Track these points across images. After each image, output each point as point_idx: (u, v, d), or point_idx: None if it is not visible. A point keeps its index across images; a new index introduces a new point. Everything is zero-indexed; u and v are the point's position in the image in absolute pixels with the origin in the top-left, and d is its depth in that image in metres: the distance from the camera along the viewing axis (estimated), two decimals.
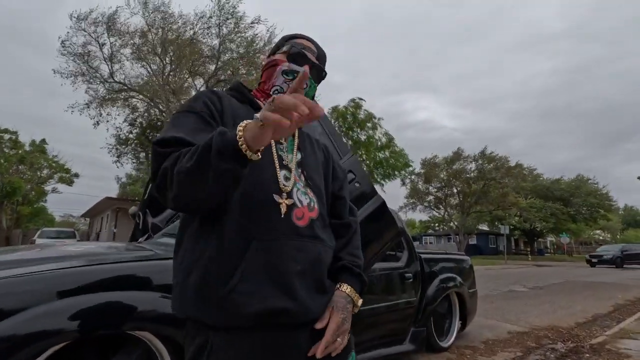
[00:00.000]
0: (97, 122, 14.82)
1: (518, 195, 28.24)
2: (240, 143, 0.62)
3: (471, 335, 3.94)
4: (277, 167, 0.85)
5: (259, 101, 0.98)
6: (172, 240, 2.25)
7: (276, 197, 0.81)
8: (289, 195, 0.83)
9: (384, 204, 2.06)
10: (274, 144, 0.88)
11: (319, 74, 0.98)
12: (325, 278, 0.86)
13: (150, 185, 2.96)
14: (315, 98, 1.05)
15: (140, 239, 2.76)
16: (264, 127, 0.60)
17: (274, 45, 1.06)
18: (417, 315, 3.09)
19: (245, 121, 0.64)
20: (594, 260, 20.18)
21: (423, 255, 3.37)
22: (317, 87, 1.00)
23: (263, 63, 1.01)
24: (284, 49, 0.97)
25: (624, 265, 19.20)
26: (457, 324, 3.62)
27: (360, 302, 0.88)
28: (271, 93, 0.95)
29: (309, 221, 0.84)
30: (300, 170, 0.90)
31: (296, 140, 0.94)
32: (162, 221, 2.92)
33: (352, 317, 0.87)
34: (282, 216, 0.80)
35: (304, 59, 0.94)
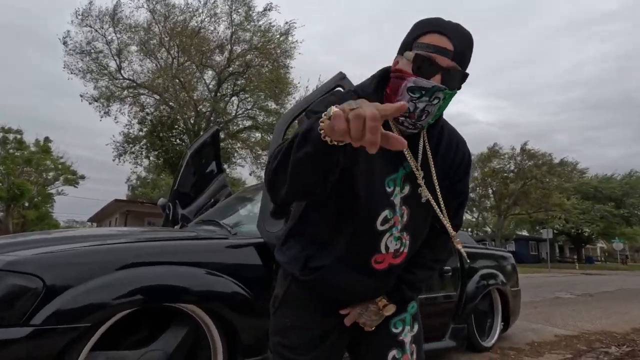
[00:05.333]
0: (106, 112, 15.39)
1: (562, 196, 27.50)
2: (321, 132, 0.62)
3: (515, 337, 4.00)
4: (386, 203, 0.91)
5: None
6: (209, 227, 2.46)
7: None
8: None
9: None
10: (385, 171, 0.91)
11: (454, 78, 0.86)
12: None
13: (179, 176, 3.19)
14: None
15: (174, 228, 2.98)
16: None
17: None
18: (457, 312, 3.20)
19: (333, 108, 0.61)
20: None
21: (462, 250, 3.46)
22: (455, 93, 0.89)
23: (392, 66, 0.94)
24: (409, 55, 0.87)
25: None
26: (499, 323, 3.69)
27: (387, 308, 0.99)
28: None
29: (388, 266, 0.94)
30: (403, 209, 0.93)
31: (418, 166, 0.93)
32: (190, 212, 3.14)
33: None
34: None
35: (431, 68, 0.84)
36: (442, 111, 0.93)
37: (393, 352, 0.99)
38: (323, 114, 0.62)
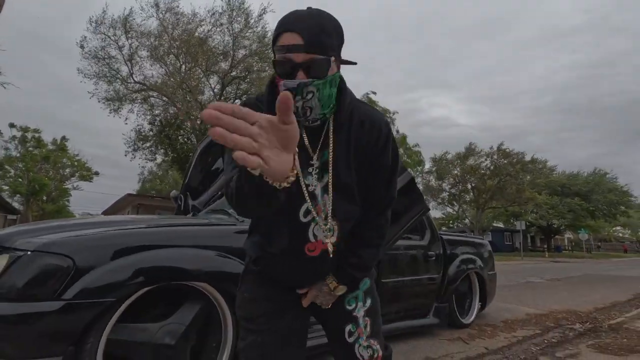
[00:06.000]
0: (115, 110, 15.22)
1: (534, 191, 27.85)
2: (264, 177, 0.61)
3: (490, 316, 4.09)
4: (305, 196, 0.88)
5: None
6: (219, 215, 2.49)
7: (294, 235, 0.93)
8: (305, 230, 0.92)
9: (413, 180, 2.24)
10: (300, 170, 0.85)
11: (319, 67, 0.80)
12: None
13: (190, 170, 3.22)
14: None
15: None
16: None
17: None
18: (440, 292, 3.27)
19: None
20: None
21: (445, 237, 3.53)
22: (338, 74, 0.87)
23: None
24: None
25: None
26: (477, 303, 3.77)
27: (338, 289, 0.98)
28: None
29: (321, 253, 0.93)
30: (325, 198, 0.90)
31: (330, 154, 0.89)
32: (200, 203, 3.17)
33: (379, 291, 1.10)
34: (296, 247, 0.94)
35: (290, 67, 0.80)
36: (330, 98, 0.85)
37: (348, 327, 1.01)
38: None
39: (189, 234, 1.81)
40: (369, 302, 1.04)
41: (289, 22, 0.81)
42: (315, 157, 0.89)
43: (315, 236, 0.91)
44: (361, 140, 0.92)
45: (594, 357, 2.67)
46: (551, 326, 3.71)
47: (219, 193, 3.37)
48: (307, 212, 0.89)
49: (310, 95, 0.80)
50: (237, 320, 1.03)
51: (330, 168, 0.89)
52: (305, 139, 0.89)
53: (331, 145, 0.89)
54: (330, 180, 0.89)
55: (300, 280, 1.00)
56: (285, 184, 0.62)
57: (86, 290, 1.40)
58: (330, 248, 0.92)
